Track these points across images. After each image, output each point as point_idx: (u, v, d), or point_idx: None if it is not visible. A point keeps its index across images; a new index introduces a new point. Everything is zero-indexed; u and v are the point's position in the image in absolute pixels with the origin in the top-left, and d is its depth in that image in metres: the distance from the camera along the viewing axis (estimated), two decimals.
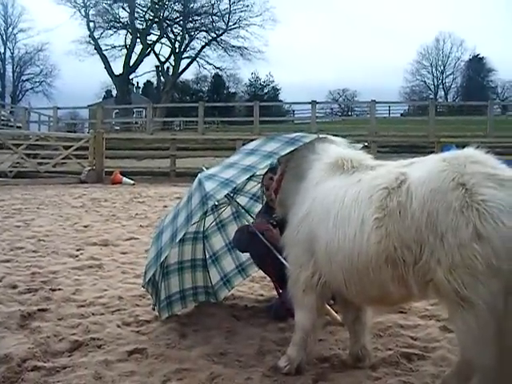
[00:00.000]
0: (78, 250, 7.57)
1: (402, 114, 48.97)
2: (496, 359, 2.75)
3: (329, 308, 4.28)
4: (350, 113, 57.93)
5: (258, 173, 5.07)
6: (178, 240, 4.13)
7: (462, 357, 3.13)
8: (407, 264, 2.93)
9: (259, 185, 5.44)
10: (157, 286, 4.73)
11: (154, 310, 4.81)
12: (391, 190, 3.03)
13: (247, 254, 5.39)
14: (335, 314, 4.38)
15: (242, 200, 5.46)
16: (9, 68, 62.12)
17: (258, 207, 5.41)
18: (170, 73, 55.78)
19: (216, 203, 5.19)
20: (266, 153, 3.97)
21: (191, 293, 5.22)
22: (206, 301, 5.35)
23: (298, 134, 4.04)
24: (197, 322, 4.69)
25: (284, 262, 4.01)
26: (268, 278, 5.71)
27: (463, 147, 3.12)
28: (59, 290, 5.54)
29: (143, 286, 4.60)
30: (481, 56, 66.09)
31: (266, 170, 4.91)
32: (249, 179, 5.27)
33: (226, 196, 5.07)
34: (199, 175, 4.26)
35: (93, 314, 4.81)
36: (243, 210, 5.37)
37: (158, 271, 4.66)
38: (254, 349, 4.05)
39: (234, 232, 5.22)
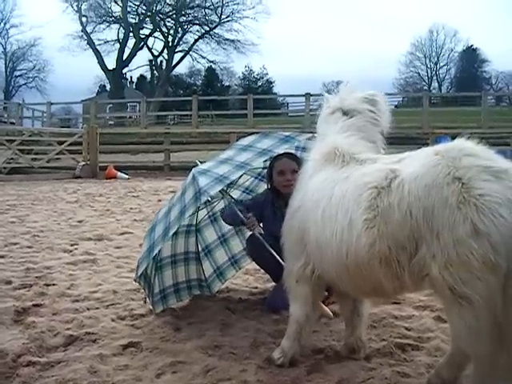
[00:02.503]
0: (72, 245, 7.55)
1: (395, 106, 48.72)
2: (494, 351, 2.73)
3: (320, 304, 4.27)
4: None
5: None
6: (170, 235, 4.18)
7: (455, 347, 3.14)
8: (401, 262, 2.88)
9: (252, 178, 5.47)
10: (149, 280, 4.74)
11: (145, 303, 4.81)
12: (381, 190, 2.95)
13: (239, 247, 5.48)
14: (326, 309, 4.37)
15: (235, 193, 5.46)
16: (1, 64, 61.76)
17: None
18: (164, 67, 55.64)
19: (209, 198, 5.22)
20: (261, 150, 4.05)
21: (185, 286, 5.22)
22: (200, 294, 5.34)
23: (291, 133, 4.22)
24: (191, 315, 4.69)
25: None
26: (262, 270, 5.73)
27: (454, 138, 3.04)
28: (54, 285, 5.54)
29: (135, 280, 4.62)
30: (474, 47, 66.19)
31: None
32: (245, 173, 5.30)
33: (219, 190, 5.07)
34: (193, 170, 4.29)
35: (87, 309, 4.81)
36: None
37: (150, 265, 4.67)
38: (249, 341, 4.06)
39: (227, 225, 5.27)
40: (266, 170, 5.27)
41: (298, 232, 3.50)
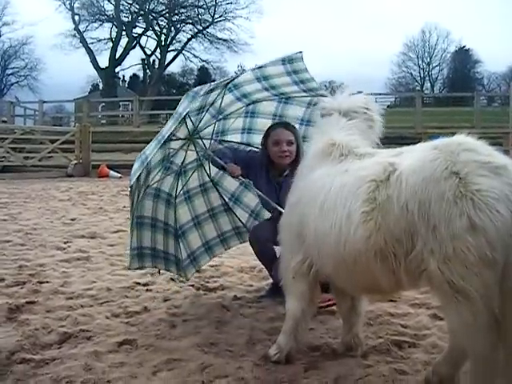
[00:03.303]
0: (65, 243, 7.53)
1: (388, 106, 48.97)
2: (491, 347, 2.71)
3: None
4: None
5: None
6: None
7: (453, 344, 3.13)
8: (398, 257, 2.87)
9: (241, 118, 5.32)
10: (165, 256, 5.01)
11: (159, 273, 5.38)
12: (379, 183, 2.94)
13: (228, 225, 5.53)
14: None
15: (235, 138, 5.38)
16: None
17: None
18: (156, 66, 55.59)
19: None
20: (177, 114, 4.17)
21: (218, 240, 5.36)
22: (239, 242, 5.60)
23: (211, 84, 4.36)
24: (186, 313, 4.67)
25: None
26: (257, 268, 5.73)
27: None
28: (47, 282, 5.50)
29: (131, 187, 4.49)
30: (467, 48, 66.35)
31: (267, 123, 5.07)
32: (226, 118, 5.27)
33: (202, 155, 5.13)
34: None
35: (81, 306, 4.78)
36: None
37: (162, 240, 4.94)
38: (245, 338, 4.04)
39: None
40: (251, 106, 5.20)
41: (297, 226, 3.48)
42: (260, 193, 4.81)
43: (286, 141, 4.65)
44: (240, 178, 4.85)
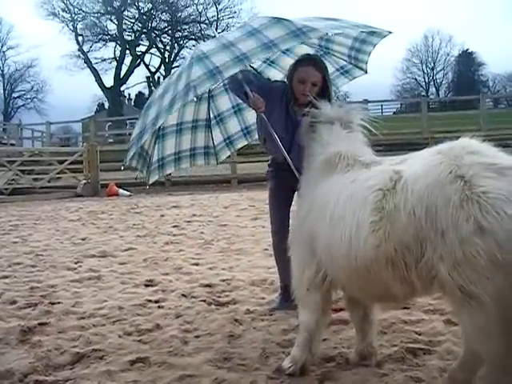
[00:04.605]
0: (76, 263, 7.51)
1: (394, 112, 49.00)
2: (507, 351, 2.67)
3: None
4: None
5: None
6: (157, 126, 3.91)
7: (467, 349, 3.09)
8: (408, 264, 2.85)
9: None
10: (145, 154, 4.74)
11: (135, 179, 4.92)
12: (386, 192, 2.94)
13: (254, 118, 5.18)
14: None
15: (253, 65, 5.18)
16: None
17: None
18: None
19: None
20: (267, 40, 3.59)
21: (188, 155, 5.25)
22: (204, 163, 5.49)
23: (306, 24, 3.62)
24: (198, 328, 4.64)
25: None
26: (268, 281, 5.71)
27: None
28: (59, 303, 5.50)
29: (124, 165, 4.57)
30: (470, 51, 66.29)
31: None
32: None
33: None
34: (193, 53, 3.92)
35: (93, 326, 4.77)
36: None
37: (148, 138, 4.40)
38: (258, 352, 4.01)
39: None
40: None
41: (308, 238, 3.48)
42: (271, 128, 4.44)
43: (311, 81, 4.45)
44: (261, 114, 4.46)
